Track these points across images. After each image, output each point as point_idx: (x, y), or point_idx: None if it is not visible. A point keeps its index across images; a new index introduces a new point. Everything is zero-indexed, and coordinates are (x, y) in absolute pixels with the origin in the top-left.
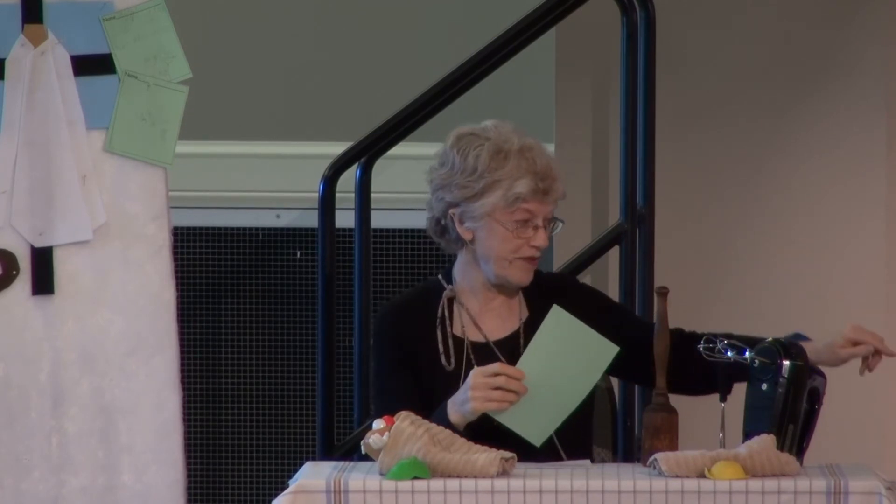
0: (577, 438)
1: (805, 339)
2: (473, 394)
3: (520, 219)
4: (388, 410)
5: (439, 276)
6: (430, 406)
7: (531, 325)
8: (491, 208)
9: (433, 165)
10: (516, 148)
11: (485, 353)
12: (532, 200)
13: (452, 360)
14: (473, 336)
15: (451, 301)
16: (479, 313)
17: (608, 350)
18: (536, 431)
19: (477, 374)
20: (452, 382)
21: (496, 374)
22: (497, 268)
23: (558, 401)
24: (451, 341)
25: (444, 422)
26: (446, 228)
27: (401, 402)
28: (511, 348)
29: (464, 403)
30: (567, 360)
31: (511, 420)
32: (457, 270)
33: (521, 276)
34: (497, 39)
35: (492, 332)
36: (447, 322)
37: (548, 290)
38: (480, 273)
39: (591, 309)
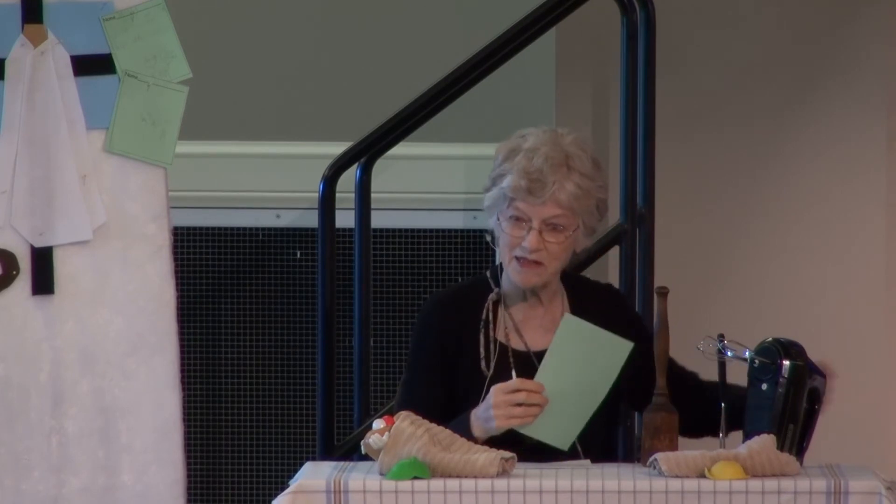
0: (598, 441)
1: None
2: (496, 412)
3: (513, 216)
4: (409, 405)
5: (487, 274)
6: (461, 408)
7: None
8: (492, 202)
9: None
10: (526, 146)
11: (525, 362)
12: (520, 199)
13: (492, 365)
14: (516, 344)
15: (495, 304)
16: (523, 321)
17: (624, 347)
18: (562, 437)
19: (497, 392)
20: (489, 387)
21: (516, 391)
22: (506, 267)
23: (580, 404)
24: (493, 346)
25: (466, 434)
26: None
27: (424, 402)
28: None
29: (487, 421)
30: (584, 364)
31: (535, 431)
32: (505, 275)
33: (519, 277)
34: (497, 39)
35: (533, 343)
36: (490, 326)
37: (589, 299)
38: None
39: (620, 329)
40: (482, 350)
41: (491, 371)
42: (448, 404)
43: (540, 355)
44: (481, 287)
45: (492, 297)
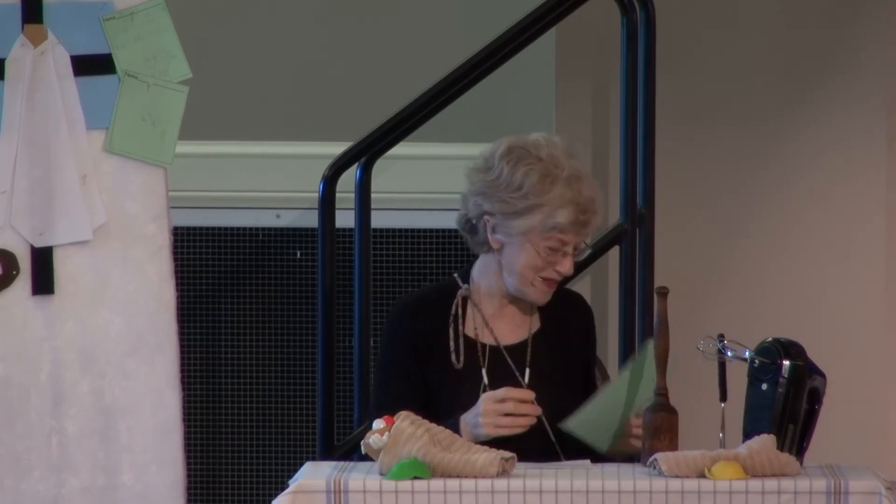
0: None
1: None
2: (484, 420)
3: (552, 245)
4: (386, 408)
5: (455, 275)
6: (435, 404)
7: (541, 336)
8: (527, 229)
9: (476, 166)
10: (565, 175)
11: (495, 356)
12: (569, 231)
13: (462, 358)
14: (485, 338)
15: (465, 300)
16: (493, 317)
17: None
18: (603, 441)
19: (487, 401)
20: (461, 381)
21: (504, 400)
22: (518, 282)
23: (626, 414)
24: (462, 340)
25: None
26: (476, 230)
27: (400, 402)
28: (519, 355)
29: (476, 427)
30: (643, 386)
31: (580, 427)
32: (476, 271)
33: (540, 296)
34: (497, 39)
35: (503, 337)
36: (460, 321)
37: (562, 303)
38: (500, 279)
39: (582, 336)
40: (452, 343)
41: (461, 364)
42: (425, 401)
43: (510, 349)
44: (449, 287)
45: (461, 292)
